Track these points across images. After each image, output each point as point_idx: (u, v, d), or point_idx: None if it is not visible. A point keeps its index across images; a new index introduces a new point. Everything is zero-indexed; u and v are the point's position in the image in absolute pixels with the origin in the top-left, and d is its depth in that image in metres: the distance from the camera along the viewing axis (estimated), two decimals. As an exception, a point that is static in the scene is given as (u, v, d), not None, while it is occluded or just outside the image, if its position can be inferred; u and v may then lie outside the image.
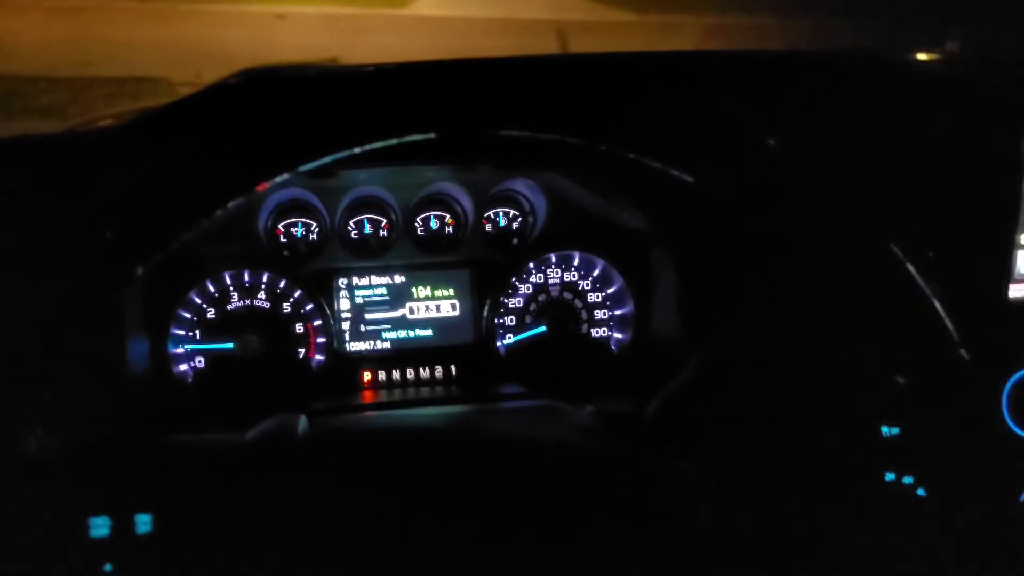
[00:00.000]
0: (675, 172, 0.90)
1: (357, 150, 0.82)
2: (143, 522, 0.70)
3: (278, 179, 0.81)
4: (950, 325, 0.88)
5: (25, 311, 0.75)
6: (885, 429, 0.98)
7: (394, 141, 0.83)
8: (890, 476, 0.99)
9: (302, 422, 0.81)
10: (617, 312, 1.47)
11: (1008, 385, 1.16)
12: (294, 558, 0.73)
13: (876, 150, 1.10)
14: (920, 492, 0.98)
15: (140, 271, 0.73)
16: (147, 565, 0.70)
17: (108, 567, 0.69)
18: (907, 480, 0.99)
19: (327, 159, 0.81)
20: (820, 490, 0.97)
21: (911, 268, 0.89)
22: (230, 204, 0.79)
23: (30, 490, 0.69)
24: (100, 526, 0.70)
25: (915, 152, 1.11)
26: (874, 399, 0.97)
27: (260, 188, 0.83)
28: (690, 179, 0.90)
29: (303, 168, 0.81)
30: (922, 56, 1.28)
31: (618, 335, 1.48)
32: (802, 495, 0.95)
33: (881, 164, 1.09)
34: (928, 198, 1.12)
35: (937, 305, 0.89)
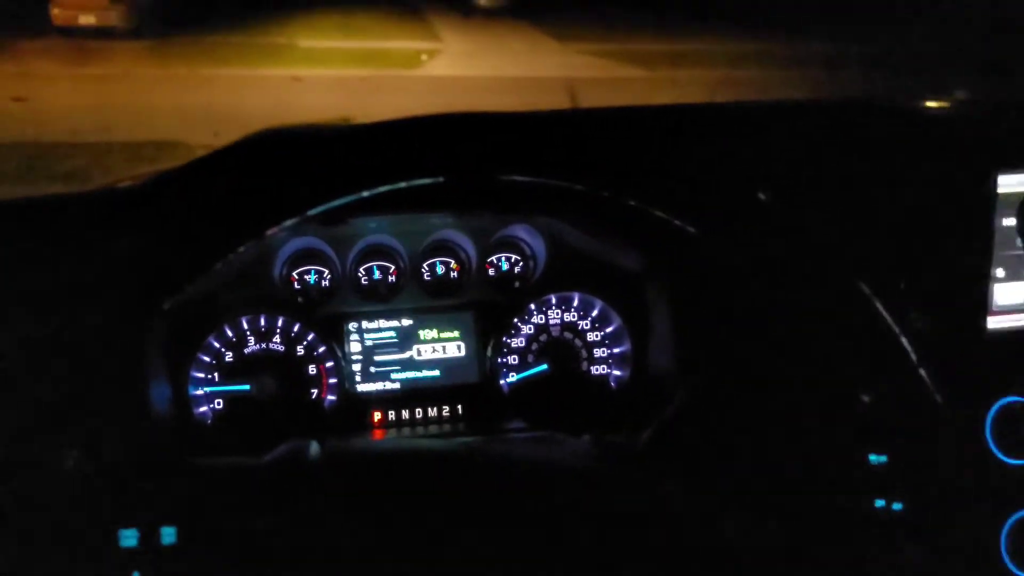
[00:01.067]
0: (678, 223, 0.97)
1: (366, 194, 0.90)
2: (168, 534, 0.77)
3: (288, 223, 0.89)
4: (914, 356, 0.94)
5: (55, 349, 0.82)
6: (873, 457, 1.03)
7: (403, 185, 0.91)
8: (879, 503, 1.03)
9: (314, 446, 0.88)
10: (616, 350, 1.54)
11: (991, 413, 1.20)
12: (309, 569, 0.79)
13: (856, 189, 1.16)
14: (908, 518, 1.03)
15: (167, 306, 0.81)
16: (172, 573, 0.76)
17: (136, 575, 0.75)
18: (896, 507, 1.03)
19: (337, 203, 0.89)
20: (810, 515, 1.02)
21: (878, 304, 0.95)
22: (242, 248, 0.87)
23: (66, 503, 0.76)
24: (129, 537, 0.76)
25: (892, 190, 1.17)
26: (857, 427, 1.03)
27: (271, 232, 0.91)
28: (692, 230, 0.98)
29: (313, 212, 0.89)
30: (922, 103, 1.35)
31: (617, 372, 1.54)
32: (792, 520, 1.00)
33: (859, 203, 1.15)
34: (904, 235, 1.17)
35: (904, 340, 0.95)
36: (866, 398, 0.97)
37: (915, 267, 1.15)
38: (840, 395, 1.02)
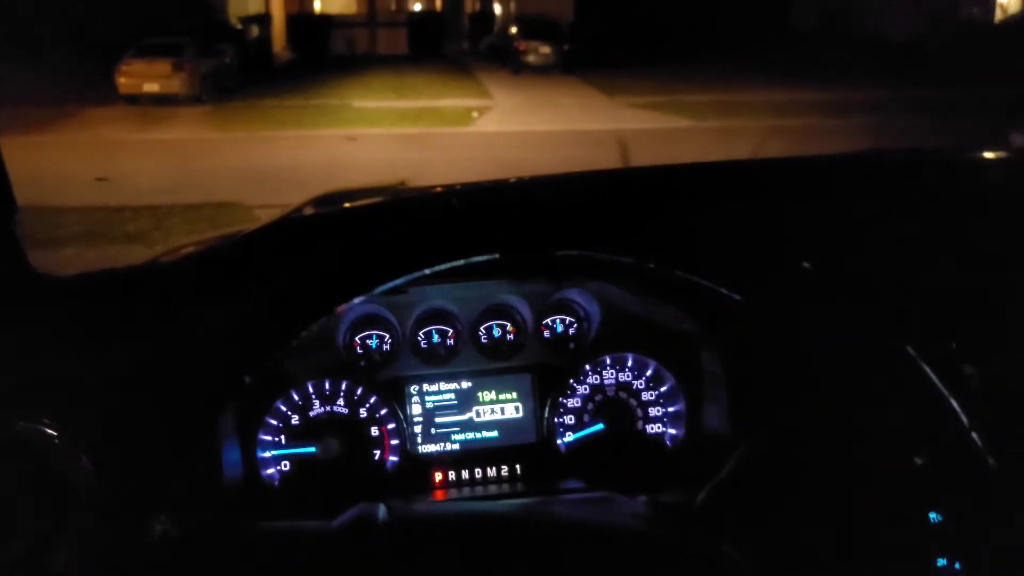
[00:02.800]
0: (724, 290, 1.01)
1: (428, 271, 0.95)
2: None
3: (357, 301, 0.95)
4: (965, 419, 0.95)
5: (137, 421, 0.88)
6: (933, 515, 1.03)
7: (461, 262, 0.96)
8: (941, 562, 1.03)
9: (381, 510, 0.91)
10: (670, 409, 1.56)
11: None
12: None
13: (901, 248, 1.16)
14: None
15: (248, 381, 0.86)
16: None
17: None
18: (958, 566, 1.03)
19: (400, 281, 0.95)
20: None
21: (926, 367, 0.97)
22: (315, 325, 0.93)
23: (153, 565, 0.81)
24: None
25: (940, 246, 1.17)
26: (914, 487, 1.03)
27: (340, 310, 0.97)
28: (737, 297, 1.01)
29: (379, 290, 0.95)
30: (982, 154, 1.35)
31: (672, 431, 1.56)
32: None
33: (905, 262, 1.15)
34: (954, 294, 1.18)
35: (954, 402, 0.96)
36: (920, 461, 0.98)
37: (966, 327, 1.15)
38: (895, 456, 1.03)
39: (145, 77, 15.81)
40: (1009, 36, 20.50)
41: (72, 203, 7.53)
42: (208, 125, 14.09)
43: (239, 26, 25.34)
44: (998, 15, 24.67)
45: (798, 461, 1.10)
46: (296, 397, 1.48)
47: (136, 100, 15.72)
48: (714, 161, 1.32)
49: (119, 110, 15.20)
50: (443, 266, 0.95)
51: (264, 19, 27.22)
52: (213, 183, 9.04)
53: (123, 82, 15.83)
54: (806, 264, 1.00)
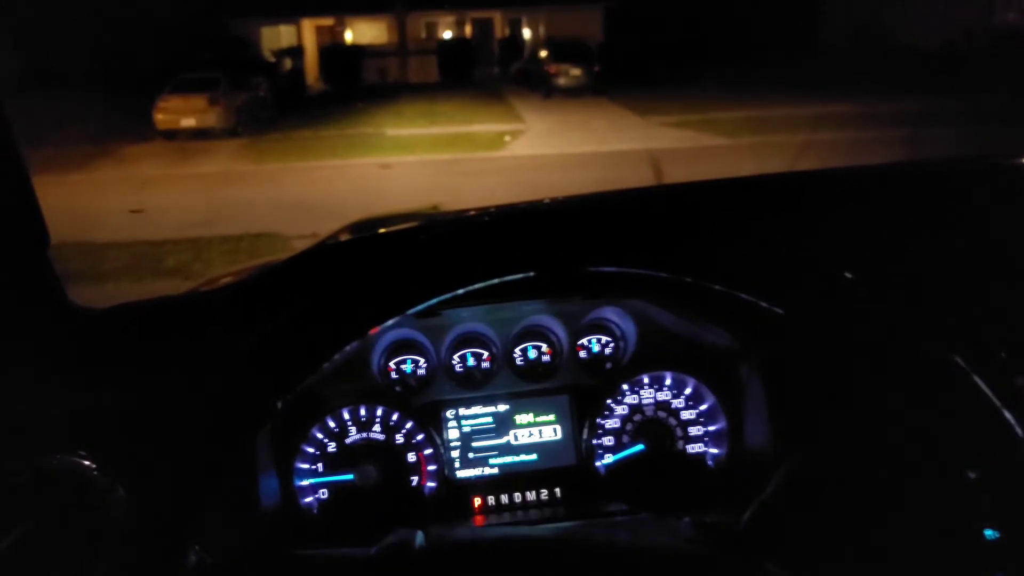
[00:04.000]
0: (764, 304, 0.99)
1: (461, 292, 0.94)
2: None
3: (389, 322, 0.94)
4: (1019, 431, 0.91)
5: (172, 449, 0.88)
6: (989, 532, 1.00)
7: (495, 281, 0.95)
8: None
9: (419, 536, 0.90)
10: (711, 428, 1.53)
11: None
12: None
13: (948, 255, 1.13)
14: None
15: (280, 405, 0.85)
16: None
17: None
18: None
19: (434, 301, 0.94)
20: None
21: (976, 377, 0.93)
22: (348, 347, 0.92)
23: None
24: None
25: (986, 252, 1.14)
26: (968, 503, 1.00)
27: (373, 331, 0.96)
28: (778, 310, 0.98)
29: (412, 311, 0.94)
30: (1014, 160, 1.32)
31: (714, 450, 1.53)
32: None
33: (952, 269, 1.12)
34: (1002, 300, 1.15)
35: (1007, 413, 0.93)
36: (973, 475, 0.95)
37: (1016, 336, 1.12)
38: (946, 470, 0.99)
39: (182, 112, 16.10)
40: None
41: (113, 238, 7.66)
42: (244, 157, 14.28)
43: (272, 59, 25.78)
44: (1034, 21, 24.32)
45: (844, 478, 1.07)
46: (332, 424, 1.47)
47: (173, 135, 16.01)
48: (750, 175, 1.30)
49: (157, 146, 15.47)
50: (477, 286, 0.94)
51: (297, 52, 27.65)
52: (251, 214, 9.15)
53: (160, 118, 16.13)
54: (848, 275, 0.97)
